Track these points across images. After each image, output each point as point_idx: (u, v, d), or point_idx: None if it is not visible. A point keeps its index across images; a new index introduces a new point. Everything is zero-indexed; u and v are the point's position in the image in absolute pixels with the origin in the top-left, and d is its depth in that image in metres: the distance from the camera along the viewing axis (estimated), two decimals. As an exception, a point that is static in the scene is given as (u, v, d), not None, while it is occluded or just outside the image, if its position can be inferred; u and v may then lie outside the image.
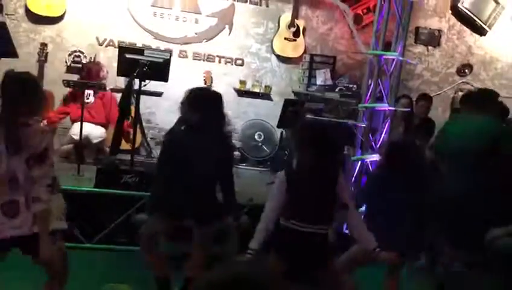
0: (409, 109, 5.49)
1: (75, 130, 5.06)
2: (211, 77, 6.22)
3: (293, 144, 2.84)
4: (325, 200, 2.73)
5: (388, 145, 3.44)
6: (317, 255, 2.73)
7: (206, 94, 3.24)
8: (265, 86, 6.55)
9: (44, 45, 5.71)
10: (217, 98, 3.11)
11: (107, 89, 5.17)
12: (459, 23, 7.00)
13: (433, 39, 6.96)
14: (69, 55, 5.89)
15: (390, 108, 4.73)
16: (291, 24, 6.41)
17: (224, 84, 6.36)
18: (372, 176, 3.70)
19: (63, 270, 2.62)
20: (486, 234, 3.31)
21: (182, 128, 3.07)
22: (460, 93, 6.87)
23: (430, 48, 7.00)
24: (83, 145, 4.88)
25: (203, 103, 3.04)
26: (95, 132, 5.22)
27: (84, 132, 4.73)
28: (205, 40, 6.32)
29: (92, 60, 5.79)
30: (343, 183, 2.82)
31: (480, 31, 6.97)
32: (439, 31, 6.98)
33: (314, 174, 2.69)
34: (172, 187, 3.00)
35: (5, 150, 2.31)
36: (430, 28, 6.95)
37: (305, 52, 6.54)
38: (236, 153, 6.01)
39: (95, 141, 5.23)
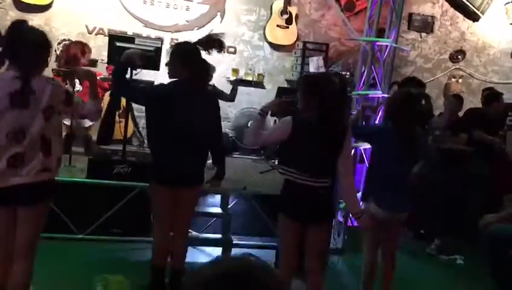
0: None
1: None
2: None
3: (299, 95, 2.80)
4: (328, 153, 2.71)
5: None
6: (317, 208, 2.72)
7: (190, 48, 3.09)
8: (258, 74, 6.50)
9: (32, 34, 5.61)
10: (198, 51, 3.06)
11: (98, 78, 5.09)
12: (452, 8, 6.97)
13: (426, 25, 6.93)
14: (58, 44, 5.80)
15: (383, 95, 4.70)
16: (283, 11, 6.34)
17: (217, 72, 6.30)
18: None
19: (35, 243, 2.53)
20: (480, 220, 3.33)
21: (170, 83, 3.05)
22: (454, 80, 6.88)
23: (423, 34, 6.97)
24: (73, 134, 4.81)
25: (189, 57, 3.01)
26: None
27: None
28: (197, 28, 6.25)
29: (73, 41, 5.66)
30: (347, 144, 2.79)
31: (473, 17, 6.95)
32: (432, 17, 6.95)
33: (321, 125, 2.65)
34: (166, 147, 2.97)
35: (9, 104, 2.31)
36: (423, 14, 6.92)
37: (297, 39, 6.49)
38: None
39: (86, 126, 5.16)
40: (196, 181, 3.12)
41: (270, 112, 3.03)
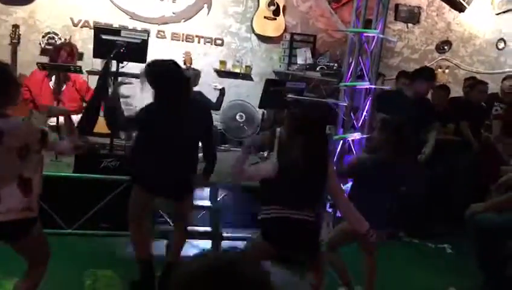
0: (389, 87, 5.51)
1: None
2: (191, 58, 6.13)
3: (283, 131, 2.78)
4: (315, 187, 2.72)
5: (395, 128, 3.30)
6: (307, 241, 2.73)
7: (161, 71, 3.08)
8: (246, 66, 6.48)
9: (16, 27, 5.52)
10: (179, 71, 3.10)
11: (84, 71, 5.03)
12: (438, -1, 7.00)
13: (412, 16, 6.95)
14: (43, 37, 5.72)
15: (371, 86, 4.72)
16: (271, 2, 6.32)
17: (204, 64, 6.27)
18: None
19: (45, 257, 2.57)
20: (466, 210, 3.37)
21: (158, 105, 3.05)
22: (440, 70, 6.93)
23: (409, 25, 7.00)
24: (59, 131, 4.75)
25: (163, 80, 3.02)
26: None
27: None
28: (183, 20, 6.20)
29: (65, 41, 5.59)
30: (333, 171, 2.81)
31: (459, 8, 6.99)
32: (419, 7, 6.97)
33: (306, 163, 2.63)
34: (151, 161, 2.99)
35: None
36: (409, 5, 6.93)
37: (285, 31, 6.47)
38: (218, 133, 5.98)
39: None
40: (186, 193, 3.18)
41: (255, 146, 2.98)
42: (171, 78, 3.01)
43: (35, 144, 2.38)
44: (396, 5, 6.84)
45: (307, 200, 2.68)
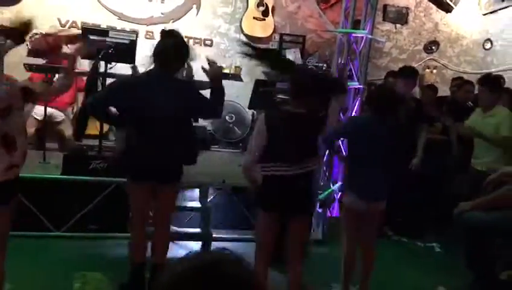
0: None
1: (37, 111, 4.88)
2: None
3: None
4: (306, 139, 2.76)
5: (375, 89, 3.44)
6: (298, 200, 2.75)
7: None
8: (235, 67, 6.46)
9: (3, 27, 5.46)
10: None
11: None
12: (425, 0, 7.05)
13: (400, 17, 7.00)
14: (30, 37, 5.64)
15: (360, 86, 4.74)
16: (260, 3, 6.32)
17: (194, 65, 6.24)
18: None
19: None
20: (455, 208, 3.40)
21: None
22: (428, 70, 6.98)
23: (398, 25, 7.04)
24: (45, 130, 4.71)
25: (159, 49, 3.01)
26: (55, 114, 5.06)
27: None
28: (172, 21, 6.17)
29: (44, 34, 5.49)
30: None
31: (446, 8, 7.05)
32: (407, 8, 7.02)
33: (297, 118, 2.71)
34: (140, 143, 2.94)
35: None
36: (397, 6, 6.98)
37: (274, 31, 6.48)
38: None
39: (57, 120, 5.05)
40: (173, 178, 3.10)
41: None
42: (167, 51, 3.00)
43: (18, 103, 2.39)
44: (385, 6, 6.89)
45: (299, 153, 2.72)
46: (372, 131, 3.03)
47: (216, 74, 3.10)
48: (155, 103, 2.88)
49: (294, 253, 2.82)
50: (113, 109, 3.11)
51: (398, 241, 4.72)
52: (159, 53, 2.97)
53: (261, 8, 6.33)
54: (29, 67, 4.65)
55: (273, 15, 6.43)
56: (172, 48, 2.98)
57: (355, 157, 3.13)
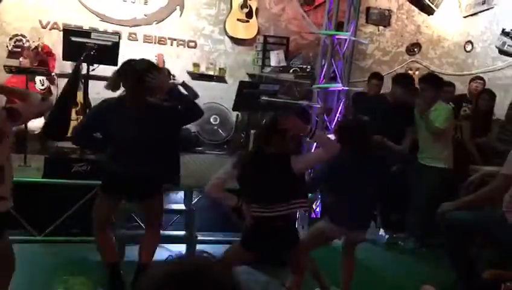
0: (361, 89, 5.58)
1: None
2: (164, 60, 6.08)
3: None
4: (280, 180, 2.70)
5: (340, 125, 3.43)
6: (281, 239, 2.73)
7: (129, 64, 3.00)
8: (220, 69, 6.46)
9: (-18, 29, 5.38)
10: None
11: (53, 74, 4.94)
12: (407, 2, 7.14)
13: (383, 19, 7.07)
14: (10, 39, 5.57)
15: (344, 88, 4.77)
16: (243, 5, 6.32)
17: (178, 67, 6.23)
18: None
19: (10, 266, 2.49)
20: (438, 208, 3.43)
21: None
22: (410, 72, 7.05)
23: (380, 27, 7.11)
24: (26, 132, 4.63)
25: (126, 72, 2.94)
26: (35, 122, 4.97)
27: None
28: (156, 22, 6.14)
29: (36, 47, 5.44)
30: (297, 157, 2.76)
31: (428, 10, 7.14)
32: (389, 10, 7.10)
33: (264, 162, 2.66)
34: (117, 164, 2.96)
35: None
36: (380, 8, 7.05)
37: (258, 33, 6.49)
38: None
39: (36, 132, 4.97)
40: (152, 193, 3.13)
41: None
42: (133, 75, 2.91)
43: (7, 127, 2.30)
44: (368, 8, 6.95)
45: (276, 196, 2.67)
46: (349, 169, 3.01)
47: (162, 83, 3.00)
48: (126, 126, 2.89)
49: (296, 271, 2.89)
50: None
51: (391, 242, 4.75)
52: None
53: (245, 10, 6.34)
54: (9, 70, 4.57)
55: (257, 17, 6.44)
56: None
57: (334, 189, 3.14)
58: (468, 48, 7.18)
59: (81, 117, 4.44)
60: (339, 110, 4.82)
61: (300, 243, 2.95)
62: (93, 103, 4.70)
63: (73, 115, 5.29)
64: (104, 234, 3.13)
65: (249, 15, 6.36)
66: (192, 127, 6.18)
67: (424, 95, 4.45)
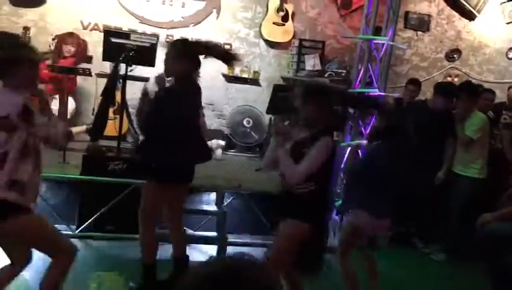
0: (398, 94, 5.48)
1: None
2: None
3: None
4: None
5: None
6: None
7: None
8: (254, 72, 6.48)
9: (27, 29, 5.56)
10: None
11: (93, 74, 5.06)
12: (448, 7, 6.97)
13: (422, 24, 6.93)
14: (53, 39, 5.74)
15: (380, 93, 4.70)
16: (280, 8, 6.32)
17: (212, 69, 6.27)
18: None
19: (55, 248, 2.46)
20: (477, 219, 3.34)
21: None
22: (449, 79, 6.88)
23: (419, 32, 6.97)
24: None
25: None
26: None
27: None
28: (192, 25, 6.21)
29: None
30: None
31: (469, 16, 6.95)
32: (429, 15, 6.95)
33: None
34: (168, 146, 2.99)
35: None
36: (419, 13, 6.91)
37: (293, 37, 6.47)
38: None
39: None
40: (191, 178, 3.21)
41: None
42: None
43: (14, 116, 2.22)
44: (406, 13, 6.82)
45: None
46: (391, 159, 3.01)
47: None
48: (185, 112, 3.02)
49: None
50: None
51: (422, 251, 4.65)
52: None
53: (281, 14, 6.33)
54: (51, 68, 4.72)
55: (292, 20, 6.43)
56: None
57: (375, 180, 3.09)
58: (510, 55, 6.96)
59: (118, 116, 4.53)
60: (375, 116, 4.74)
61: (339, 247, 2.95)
62: (129, 103, 4.82)
63: (111, 115, 5.43)
64: (150, 228, 3.14)
65: (285, 18, 6.36)
66: (225, 129, 6.22)
67: (460, 103, 4.37)
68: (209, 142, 5.30)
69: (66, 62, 5.33)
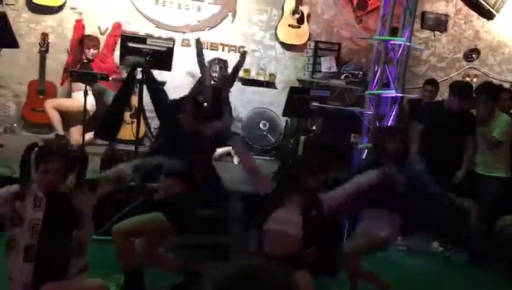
0: (416, 95, 5.43)
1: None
2: (215, 66, 6.16)
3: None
4: None
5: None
6: None
7: None
8: (270, 74, 6.47)
9: (45, 35, 5.65)
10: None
11: (110, 78, 5.11)
12: (466, 7, 6.88)
13: (439, 24, 6.85)
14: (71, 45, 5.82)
15: (397, 94, 4.65)
16: (295, 10, 6.31)
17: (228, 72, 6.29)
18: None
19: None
20: (497, 222, 3.28)
21: None
22: (468, 79, 6.79)
23: (436, 33, 6.89)
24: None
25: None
26: None
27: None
28: (208, 28, 6.24)
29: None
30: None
31: (488, 15, 6.85)
32: (446, 15, 6.86)
33: None
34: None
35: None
36: (436, 13, 6.83)
37: (309, 39, 6.45)
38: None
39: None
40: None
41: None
42: None
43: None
44: (423, 13, 6.75)
45: None
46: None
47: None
48: None
49: None
50: None
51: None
52: None
53: (297, 16, 6.32)
54: (70, 74, 4.78)
55: (308, 22, 6.41)
56: None
57: None
58: (531, 54, 6.84)
59: (135, 120, 4.56)
60: (392, 117, 4.70)
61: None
62: (146, 107, 4.86)
63: (128, 118, 5.48)
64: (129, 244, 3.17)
65: (301, 21, 6.34)
66: (241, 132, 6.22)
67: (481, 105, 4.33)
68: (227, 148, 5.34)
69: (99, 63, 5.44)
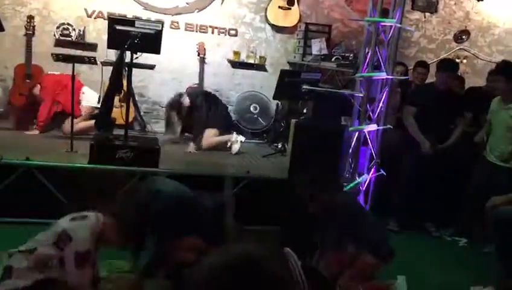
0: (407, 77, 5.43)
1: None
2: (204, 48, 6.10)
3: None
4: None
5: None
6: None
7: None
8: (260, 57, 6.42)
9: (31, 18, 5.54)
10: None
11: (98, 62, 5.03)
12: (456, -12, 6.85)
13: (430, 5, 6.82)
14: (57, 28, 5.72)
15: (388, 77, 4.64)
16: (285, -8, 6.24)
17: (218, 55, 6.23)
18: None
19: None
20: (487, 202, 3.31)
21: None
22: (458, 60, 6.78)
23: (427, 14, 6.86)
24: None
25: None
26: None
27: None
28: (197, 10, 6.15)
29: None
30: None
31: (478, -4, 6.83)
32: (437, -4, 6.83)
33: None
34: None
35: None
36: (427, -6, 6.80)
37: (299, 21, 6.39)
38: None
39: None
40: None
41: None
42: None
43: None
44: (414, -6, 6.72)
45: None
46: None
47: None
48: None
49: None
50: None
51: (440, 237, 4.64)
52: None
53: (287, -3, 6.25)
54: (56, 57, 4.70)
55: (298, 4, 6.35)
56: None
57: None
58: (521, 35, 6.84)
59: (124, 104, 4.51)
60: (382, 100, 4.69)
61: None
62: (136, 91, 4.81)
63: (117, 102, 5.43)
64: None
65: (291, 2, 6.27)
66: (232, 115, 6.19)
67: (499, 85, 4.13)
68: (229, 135, 5.29)
69: None
